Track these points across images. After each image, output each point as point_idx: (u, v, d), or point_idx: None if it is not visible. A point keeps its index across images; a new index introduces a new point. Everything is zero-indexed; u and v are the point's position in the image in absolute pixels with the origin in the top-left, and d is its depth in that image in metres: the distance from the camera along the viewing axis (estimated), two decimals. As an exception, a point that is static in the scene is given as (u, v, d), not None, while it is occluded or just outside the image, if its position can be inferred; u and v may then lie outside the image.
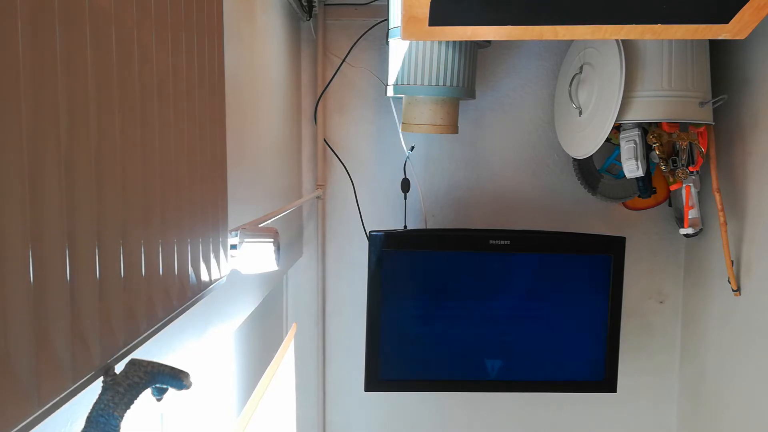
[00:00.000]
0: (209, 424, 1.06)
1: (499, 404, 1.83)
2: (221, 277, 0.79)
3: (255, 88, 1.20)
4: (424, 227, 1.71)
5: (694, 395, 1.70)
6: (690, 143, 1.44)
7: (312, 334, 1.81)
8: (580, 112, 1.49)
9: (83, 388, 0.46)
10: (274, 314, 1.69)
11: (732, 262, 1.46)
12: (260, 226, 0.95)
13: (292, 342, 1.44)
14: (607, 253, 1.53)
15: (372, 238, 1.50)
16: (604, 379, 1.57)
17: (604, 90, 1.40)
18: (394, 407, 1.84)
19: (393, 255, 1.50)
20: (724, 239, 1.46)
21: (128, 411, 0.51)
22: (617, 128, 1.48)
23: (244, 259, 0.86)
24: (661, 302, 1.79)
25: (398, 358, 1.54)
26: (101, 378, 0.50)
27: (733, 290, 1.45)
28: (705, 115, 1.40)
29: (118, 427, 0.49)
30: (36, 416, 0.40)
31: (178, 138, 0.64)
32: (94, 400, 0.50)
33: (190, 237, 0.67)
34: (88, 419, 0.49)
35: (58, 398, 0.42)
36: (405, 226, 1.67)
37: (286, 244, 1.54)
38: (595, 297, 1.54)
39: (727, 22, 1.07)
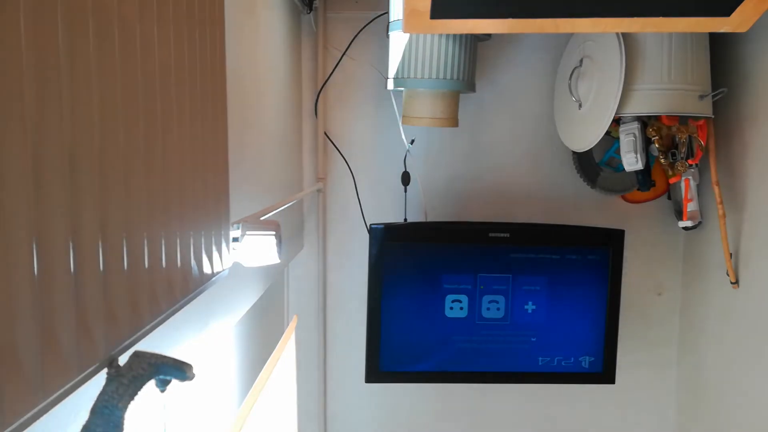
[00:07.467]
0: (212, 414, 1.07)
1: (499, 396, 1.84)
2: (223, 270, 0.79)
3: (256, 82, 1.20)
4: (424, 220, 1.71)
5: (692, 387, 1.71)
6: (689, 136, 1.45)
7: (313, 326, 1.81)
8: (580, 105, 1.49)
9: (87, 380, 0.47)
10: (275, 306, 1.69)
11: (731, 254, 1.46)
12: (262, 218, 0.95)
13: (293, 334, 1.44)
14: (606, 246, 1.54)
15: (372, 230, 1.50)
16: (602, 371, 1.58)
17: (604, 83, 1.40)
18: (395, 398, 1.85)
19: (393, 247, 1.51)
20: (722, 232, 1.46)
21: (132, 402, 0.51)
22: (617, 121, 1.48)
23: (246, 251, 0.87)
24: (659, 294, 1.80)
25: (398, 350, 1.55)
26: (105, 369, 0.50)
27: (731, 282, 1.46)
28: (704, 109, 1.40)
29: (122, 418, 0.50)
30: (41, 407, 0.40)
31: (181, 131, 0.64)
32: (99, 392, 0.50)
33: (193, 230, 0.68)
34: (93, 410, 0.49)
35: (62, 390, 0.43)
36: (405, 219, 1.68)
37: (288, 236, 1.54)
38: (594, 289, 1.55)
39: (729, 15, 1.07)
